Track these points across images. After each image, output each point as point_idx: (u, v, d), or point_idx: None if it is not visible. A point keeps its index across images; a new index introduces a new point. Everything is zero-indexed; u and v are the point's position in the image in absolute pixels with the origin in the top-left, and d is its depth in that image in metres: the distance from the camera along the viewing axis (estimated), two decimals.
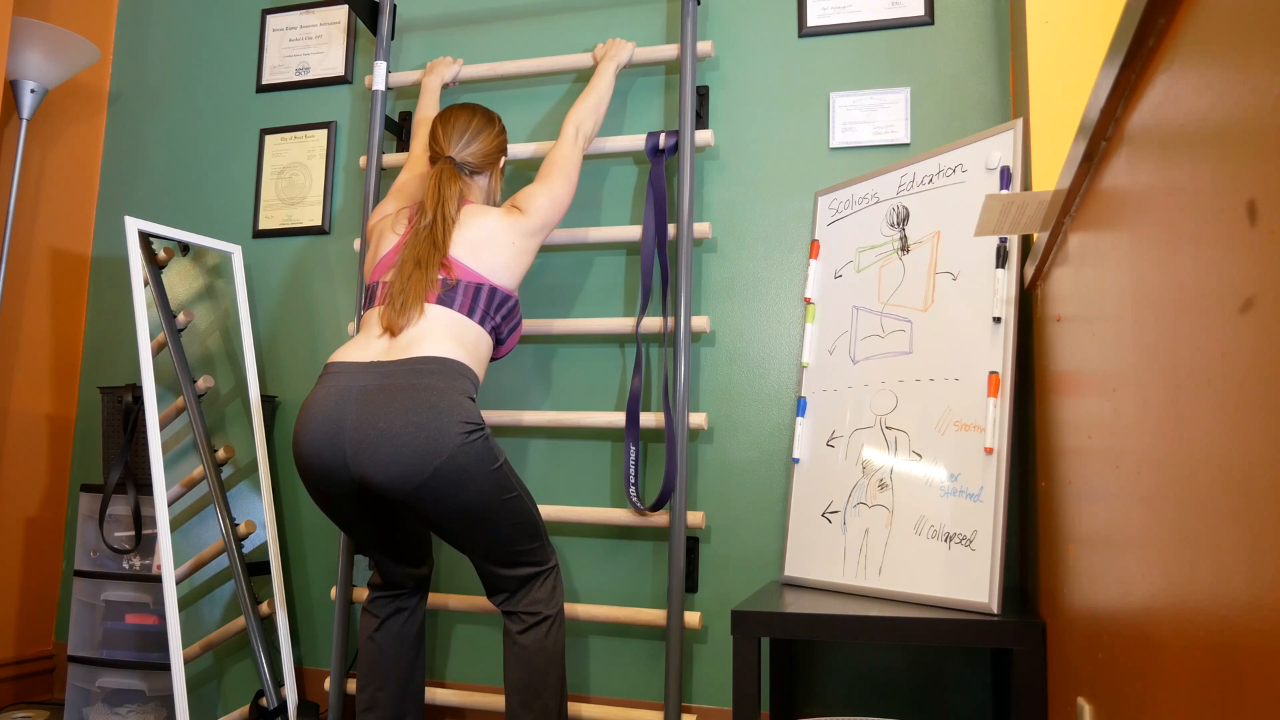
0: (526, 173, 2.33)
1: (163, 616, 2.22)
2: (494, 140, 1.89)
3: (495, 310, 1.75)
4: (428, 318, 1.67)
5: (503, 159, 1.93)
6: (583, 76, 2.33)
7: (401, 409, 1.54)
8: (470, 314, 1.71)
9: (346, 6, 2.55)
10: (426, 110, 2.20)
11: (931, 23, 2.09)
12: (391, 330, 1.66)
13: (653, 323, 2.08)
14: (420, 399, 1.55)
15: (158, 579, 2.20)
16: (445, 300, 1.70)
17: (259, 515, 2.42)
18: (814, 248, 2.03)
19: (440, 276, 1.71)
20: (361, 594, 2.19)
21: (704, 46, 2.14)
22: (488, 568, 1.71)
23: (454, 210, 1.77)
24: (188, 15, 2.75)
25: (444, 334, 1.66)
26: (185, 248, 2.50)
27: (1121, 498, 0.82)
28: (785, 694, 1.92)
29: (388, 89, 2.36)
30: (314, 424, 1.58)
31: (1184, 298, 0.61)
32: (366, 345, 1.67)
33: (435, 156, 1.85)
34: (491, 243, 1.77)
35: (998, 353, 1.56)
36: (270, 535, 2.23)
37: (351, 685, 2.15)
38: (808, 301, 2.00)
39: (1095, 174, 0.93)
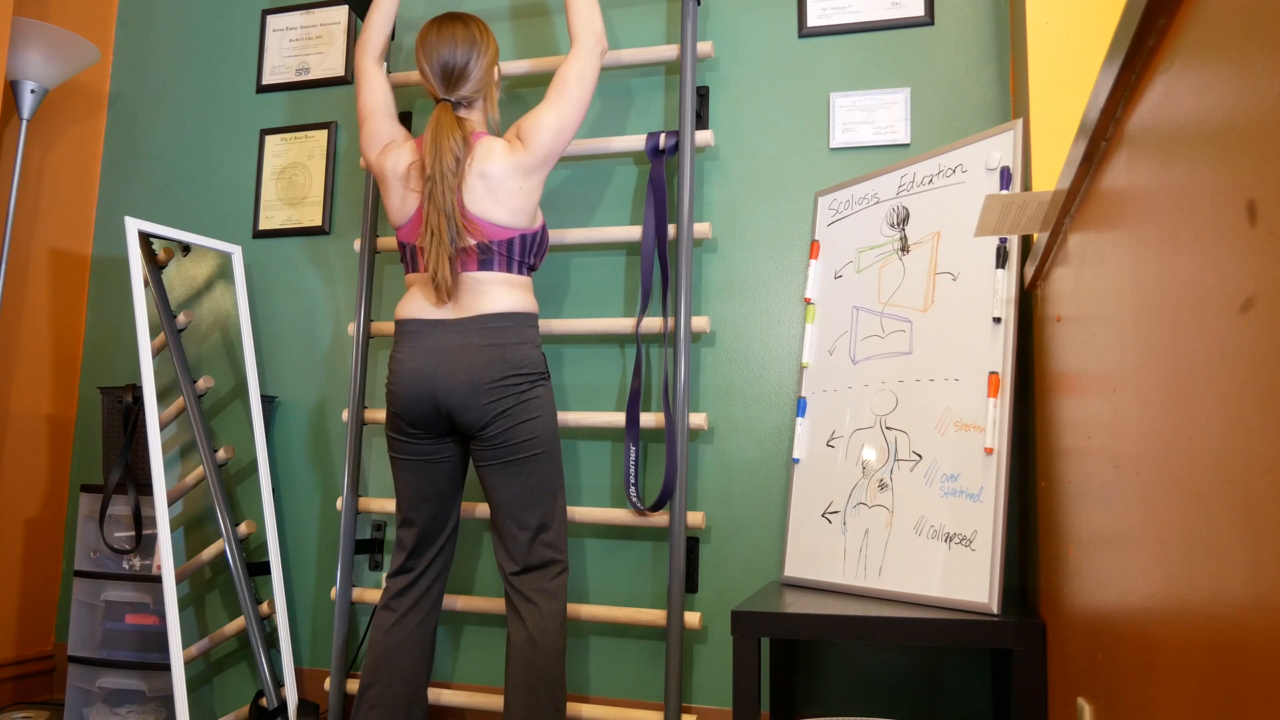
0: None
1: (163, 616, 2.22)
2: (488, 62, 1.84)
3: (529, 251, 1.83)
4: (478, 280, 1.77)
5: (496, 71, 1.89)
6: None
7: (481, 366, 1.73)
8: (509, 268, 1.80)
9: (346, 6, 2.55)
10: (387, 7, 2.01)
11: (931, 23, 2.09)
12: (454, 289, 1.78)
13: (653, 323, 2.08)
14: (495, 357, 1.74)
15: (158, 579, 2.20)
16: (485, 264, 1.78)
17: (259, 515, 2.42)
18: (814, 248, 2.03)
19: (472, 243, 1.76)
20: (362, 594, 2.19)
21: (704, 47, 2.14)
22: (517, 513, 1.77)
23: (453, 163, 1.74)
24: (188, 15, 2.75)
25: (499, 284, 1.78)
26: (185, 248, 2.50)
27: (1121, 498, 0.82)
28: (785, 694, 1.92)
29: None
30: (408, 378, 1.76)
31: (1184, 298, 0.61)
32: (435, 299, 1.78)
33: (432, 97, 1.84)
34: (501, 190, 1.77)
35: (998, 353, 1.56)
36: (270, 535, 2.23)
37: (351, 685, 2.15)
38: (808, 302, 2.00)
39: (1095, 174, 0.93)
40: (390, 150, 1.85)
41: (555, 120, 1.80)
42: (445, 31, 1.82)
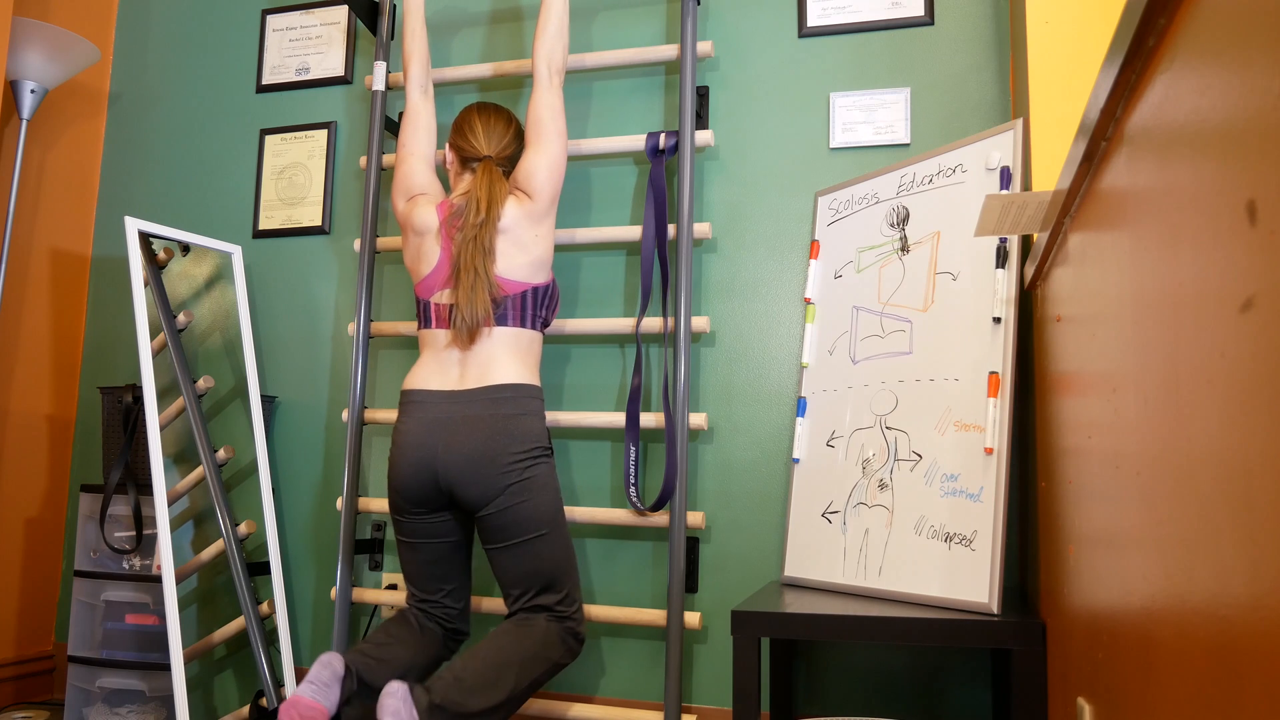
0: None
1: (163, 616, 2.22)
2: (519, 143, 1.98)
3: (541, 306, 1.86)
4: (493, 338, 1.81)
5: None
6: (582, 77, 2.33)
7: (483, 439, 1.74)
8: (523, 323, 1.84)
9: (346, 6, 2.55)
10: (414, 29, 2.07)
11: (931, 23, 2.09)
12: (463, 359, 1.81)
13: (653, 323, 2.08)
14: (498, 428, 1.74)
15: (158, 579, 2.20)
16: (500, 319, 1.81)
17: (259, 515, 2.42)
18: (814, 248, 2.03)
19: (491, 298, 1.80)
20: (362, 594, 2.19)
21: (704, 46, 2.14)
22: (533, 589, 1.78)
23: (499, 214, 1.83)
24: (188, 15, 2.75)
25: (508, 353, 1.81)
26: (185, 248, 2.50)
27: (1121, 498, 0.82)
28: (785, 694, 1.92)
29: (388, 89, 2.36)
30: (410, 451, 1.77)
31: (1184, 298, 0.61)
32: (442, 371, 1.81)
33: (473, 156, 1.90)
34: (517, 243, 1.84)
35: (998, 353, 1.56)
36: (270, 535, 2.23)
37: None
38: (808, 301, 2.00)
39: (1095, 174, 0.93)
40: (418, 203, 1.92)
41: (546, 161, 1.88)
42: (500, 110, 1.96)
